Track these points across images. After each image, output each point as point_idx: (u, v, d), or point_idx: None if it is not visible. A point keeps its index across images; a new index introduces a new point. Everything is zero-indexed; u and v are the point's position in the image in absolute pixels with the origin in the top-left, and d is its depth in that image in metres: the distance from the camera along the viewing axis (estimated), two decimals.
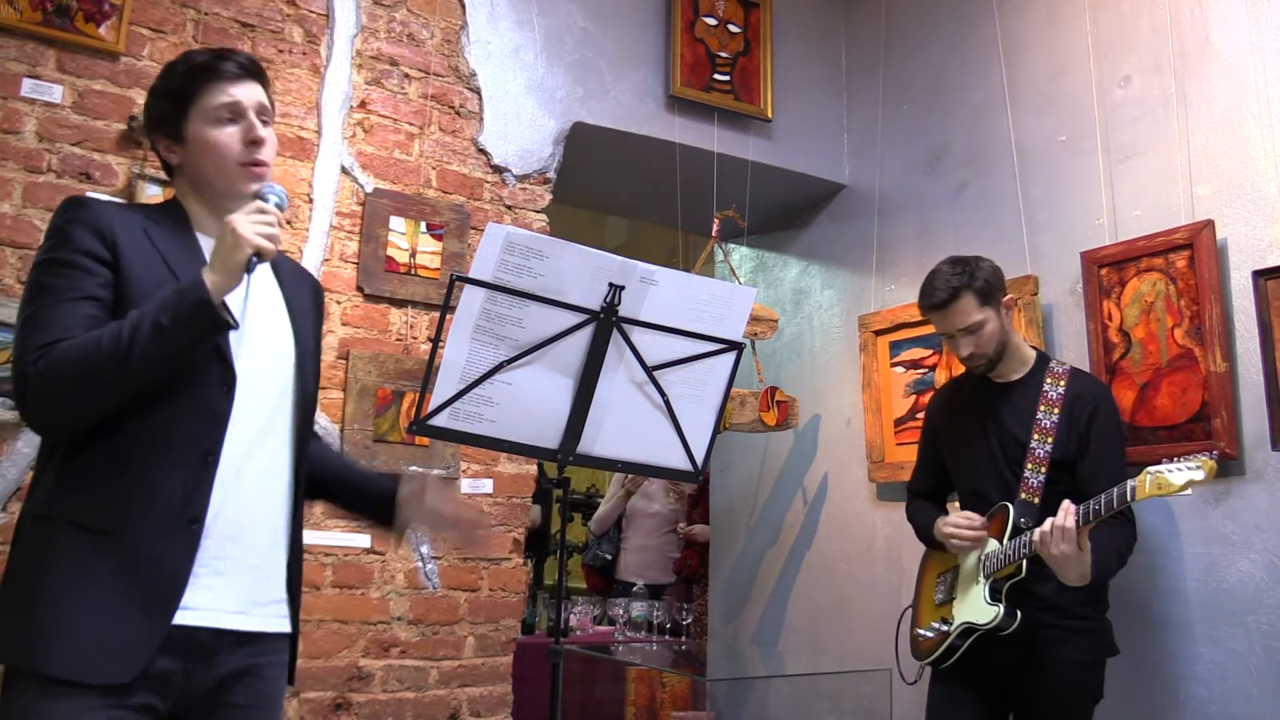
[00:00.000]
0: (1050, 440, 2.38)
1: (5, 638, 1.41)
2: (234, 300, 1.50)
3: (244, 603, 1.52)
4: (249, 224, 1.45)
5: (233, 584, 1.51)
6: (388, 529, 1.77)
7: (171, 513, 1.45)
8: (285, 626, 1.60)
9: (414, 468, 2.90)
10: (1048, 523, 2.15)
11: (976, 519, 2.42)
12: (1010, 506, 2.38)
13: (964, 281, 2.41)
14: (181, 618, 1.44)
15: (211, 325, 1.43)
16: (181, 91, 1.59)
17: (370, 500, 1.78)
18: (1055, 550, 2.13)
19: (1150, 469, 2.05)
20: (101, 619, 1.39)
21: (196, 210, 1.62)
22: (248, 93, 1.60)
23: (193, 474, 1.47)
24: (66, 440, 1.48)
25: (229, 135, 1.58)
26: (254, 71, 1.64)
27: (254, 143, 1.59)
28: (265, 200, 1.52)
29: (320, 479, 1.76)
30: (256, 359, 1.57)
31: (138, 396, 1.45)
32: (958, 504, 2.62)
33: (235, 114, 1.59)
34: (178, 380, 1.47)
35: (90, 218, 1.49)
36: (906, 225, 3.66)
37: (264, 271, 1.65)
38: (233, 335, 1.52)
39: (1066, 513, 2.13)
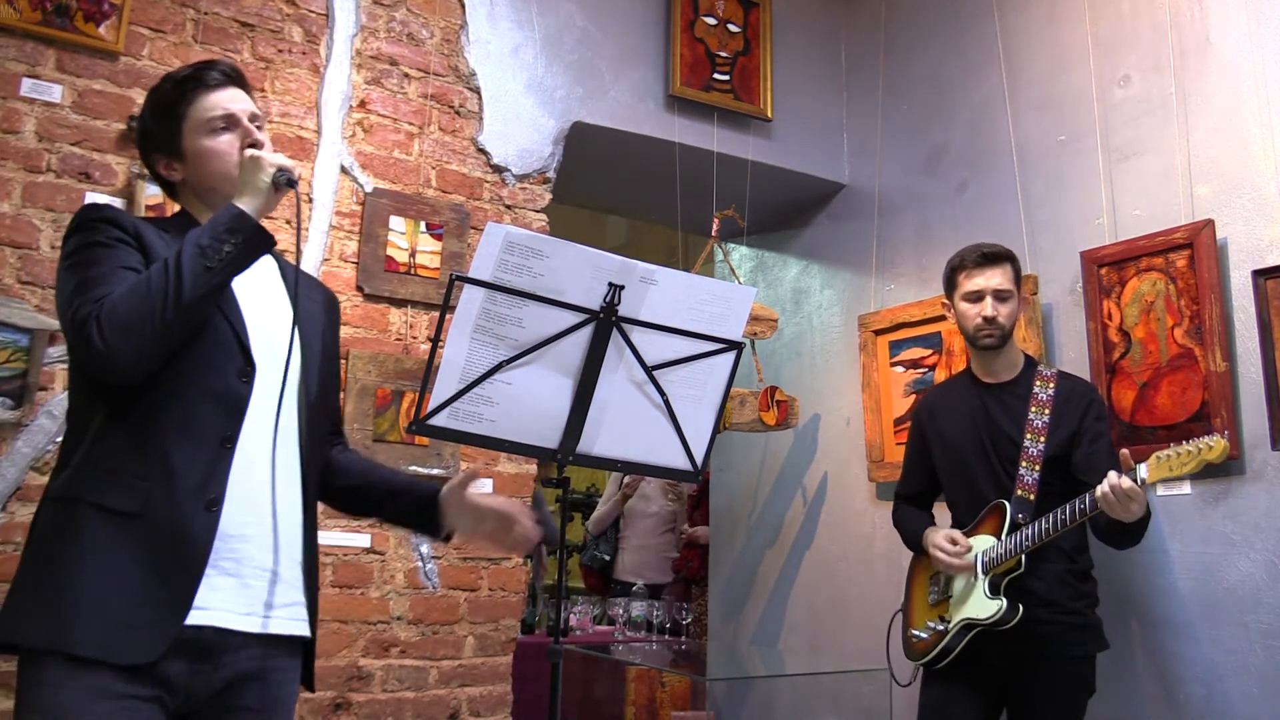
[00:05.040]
0: (1043, 439, 2.40)
1: (30, 619, 1.41)
2: (245, 293, 1.58)
3: (256, 605, 1.52)
4: (268, 152, 1.56)
5: (245, 585, 1.51)
6: (435, 535, 1.77)
7: (191, 495, 1.47)
8: (301, 630, 1.59)
9: (412, 467, 2.90)
10: (1104, 485, 2.14)
11: (964, 541, 2.43)
12: (1006, 504, 2.39)
13: (1009, 252, 2.55)
14: (191, 617, 1.44)
15: (253, 235, 1.50)
16: (172, 107, 1.64)
17: (413, 507, 1.76)
18: (1128, 514, 2.13)
19: (1159, 453, 2.09)
20: (126, 599, 1.41)
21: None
22: (237, 101, 1.65)
23: (212, 458, 1.50)
24: (102, 411, 1.50)
25: (227, 143, 1.63)
26: (237, 78, 1.68)
27: (253, 146, 1.62)
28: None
29: (366, 491, 1.78)
30: (268, 356, 1.59)
31: (190, 334, 1.49)
32: (946, 505, 2.63)
33: (229, 123, 1.63)
34: (200, 366, 1.51)
35: (114, 215, 1.57)
36: (906, 225, 3.66)
37: (274, 273, 1.70)
38: (248, 329, 1.57)
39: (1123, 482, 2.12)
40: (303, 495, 1.62)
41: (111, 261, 1.51)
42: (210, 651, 1.48)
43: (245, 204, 1.51)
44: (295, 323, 1.62)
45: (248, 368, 1.55)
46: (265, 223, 1.56)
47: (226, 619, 1.48)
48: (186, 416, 1.50)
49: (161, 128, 1.65)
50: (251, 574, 1.52)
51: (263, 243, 1.52)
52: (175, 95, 1.64)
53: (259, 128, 1.67)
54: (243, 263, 1.50)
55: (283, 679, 1.59)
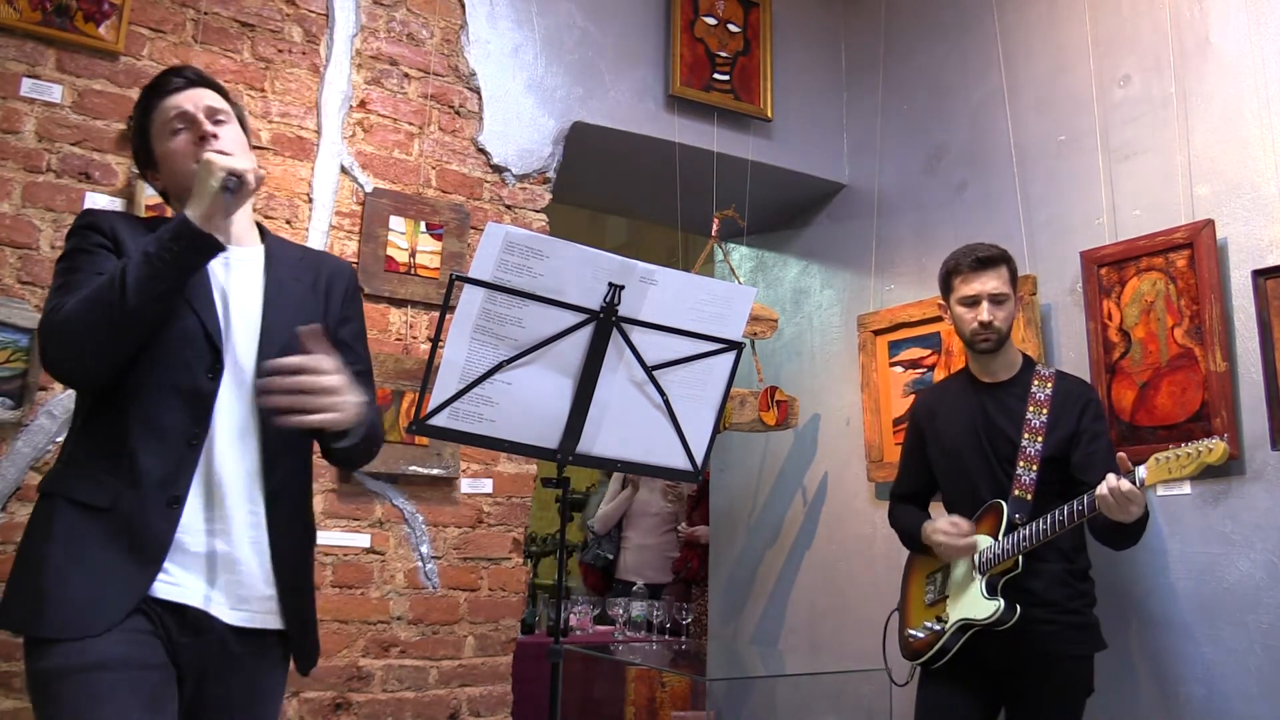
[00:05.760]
0: (1040, 439, 2.41)
1: (13, 607, 1.52)
2: (229, 289, 1.64)
3: (228, 598, 1.57)
4: (221, 156, 1.56)
5: (214, 579, 1.56)
6: None
7: (155, 492, 1.52)
8: (273, 624, 1.62)
9: (412, 467, 2.90)
10: (1103, 487, 2.12)
11: (965, 524, 2.43)
12: (1003, 504, 2.39)
13: (1005, 254, 2.54)
14: (171, 593, 1.51)
15: (195, 242, 1.51)
16: (140, 120, 1.71)
17: None
18: (1128, 515, 2.12)
19: (1158, 455, 2.08)
20: (85, 581, 1.47)
21: None
22: (194, 98, 1.67)
23: (178, 456, 1.54)
24: (85, 407, 1.58)
25: (184, 142, 1.66)
26: (200, 80, 1.71)
27: (203, 138, 1.64)
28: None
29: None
30: (237, 348, 1.62)
31: (145, 337, 1.52)
32: (943, 505, 2.63)
33: (186, 122, 1.67)
34: (170, 365, 1.55)
35: (97, 222, 1.63)
36: (906, 225, 3.66)
37: (253, 260, 1.70)
38: (221, 326, 1.60)
39: (1121, 484, 2.11)
40: (265, 491, 1.62)
41: (88, 268, 1.56)
42: (196, 626, 1.54)
43: (192, 209, 1.52)
44: (262, 318, 1.64)
45: (216, 365, 1.58)
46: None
47: (200, 603, 1.54)
48: (155, 415, 1.54)
49: (138, 140, 1.71)
50: (222, 566, 1.56)
51: (206, 248, 1.52)
52: (142, 107, 1.70)
53: (222, 121, 1.67)
54: (187, 268, 1.52)
55: (262, 669, 1.63)
